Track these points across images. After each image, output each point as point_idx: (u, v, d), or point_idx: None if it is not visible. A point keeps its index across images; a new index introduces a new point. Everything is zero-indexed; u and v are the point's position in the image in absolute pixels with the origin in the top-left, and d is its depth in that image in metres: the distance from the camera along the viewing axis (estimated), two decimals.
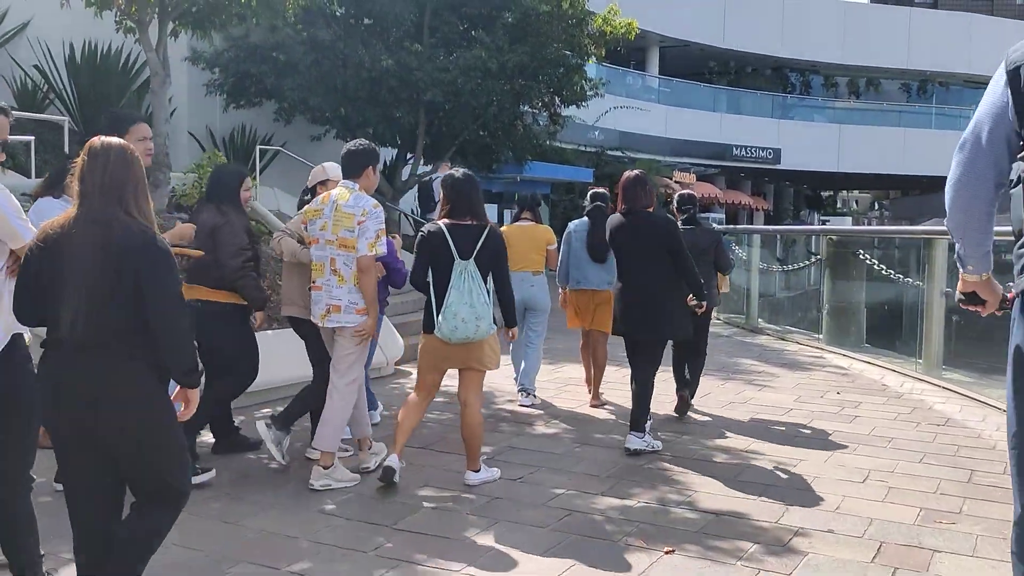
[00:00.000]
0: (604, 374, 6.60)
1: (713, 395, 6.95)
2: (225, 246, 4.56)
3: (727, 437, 5.62)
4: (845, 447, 5.38)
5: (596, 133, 25.19)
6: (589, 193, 6.70)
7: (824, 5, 34.39)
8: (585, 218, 6.57)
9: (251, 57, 12.16)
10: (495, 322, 4.37)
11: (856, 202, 60.56)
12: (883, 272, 8.64)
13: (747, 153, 31.29)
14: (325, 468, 4.39)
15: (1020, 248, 2.20)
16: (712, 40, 31.18)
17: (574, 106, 14.78)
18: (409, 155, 14.64)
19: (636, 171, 5.48)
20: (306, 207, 4.66)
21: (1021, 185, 2.17)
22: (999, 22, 38.68)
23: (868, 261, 8.63)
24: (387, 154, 15.82)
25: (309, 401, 4.78)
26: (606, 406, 6.46)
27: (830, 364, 8.66)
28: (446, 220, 4.37)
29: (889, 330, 9.56)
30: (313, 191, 4.97)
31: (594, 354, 6.53)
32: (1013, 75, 2.17)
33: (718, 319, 11.10)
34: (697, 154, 29.77)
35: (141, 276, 2.56)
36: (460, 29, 13.38)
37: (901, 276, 8.67)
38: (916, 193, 43.72)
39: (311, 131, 14.03)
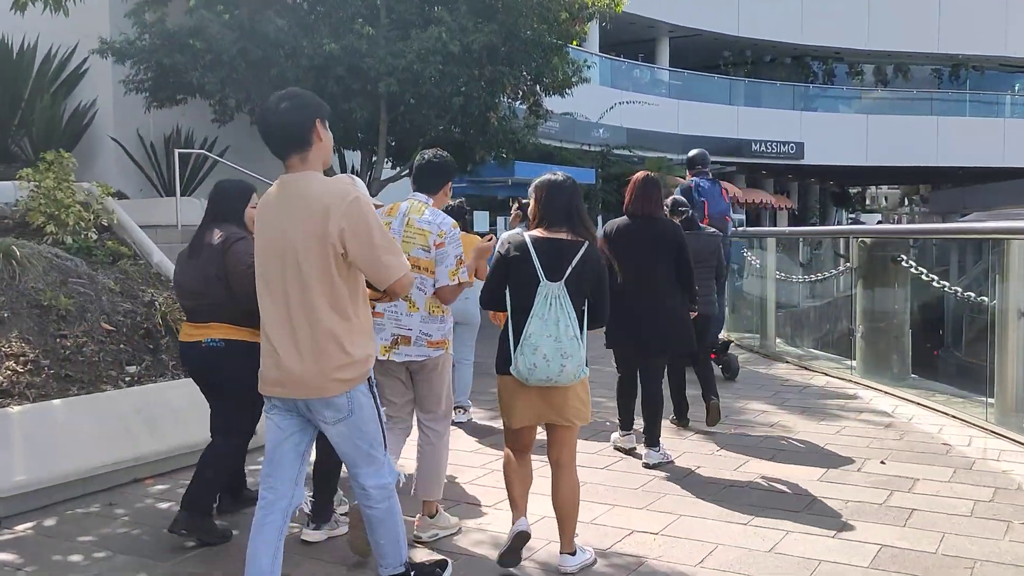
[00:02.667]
0: None
1: (705, 469, 4.99)
2: (239, 276, 3.78)
3: (703, 566, 3.64)
4: None
5: (601, 131, 23.28)
6: (521, 204, 6.42)
7: None
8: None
9: (166, 46, 10.32)
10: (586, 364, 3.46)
11: (885, 198, 57.99)
12: (936, 284, 6.56)
13: (768, 148, 29.13)
14: (431, 517, 3.92)
15: None
16: (726, 28, 29.02)
17: (559, 96, 12.80)
18: (374, 157, 12.71)
19: (647, 172, 5.20)
20: None
21: None
22: None
23: (915, 270, 6.55)
24: (350, 157, 13.99)
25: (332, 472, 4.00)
26: None
27: (867, 408, 6.62)
28: (534, 232, 3.57)
29: (944, 360, 7.44)
30: None
31: None
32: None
33: (729, 340, 9.09)
34: (712, 150, 27.41)
35: None
36: (418, 8, 11.47)
37: (959, 290, 6.59)
38: (949, 186, 41.12)
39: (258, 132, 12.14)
